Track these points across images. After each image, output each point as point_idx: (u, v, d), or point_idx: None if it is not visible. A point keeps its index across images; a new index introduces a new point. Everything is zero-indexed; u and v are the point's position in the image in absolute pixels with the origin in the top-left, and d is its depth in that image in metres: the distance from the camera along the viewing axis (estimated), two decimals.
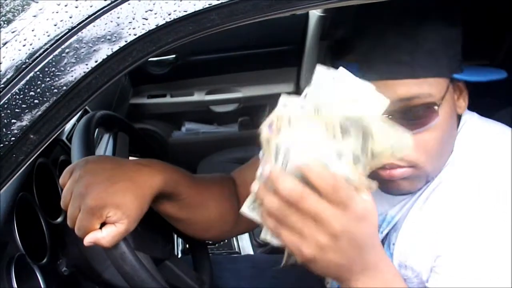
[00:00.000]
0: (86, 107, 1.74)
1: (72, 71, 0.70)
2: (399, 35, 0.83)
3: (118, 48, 0.69)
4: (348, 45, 0.88)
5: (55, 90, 0.70)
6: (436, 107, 0.84)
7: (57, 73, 0.70)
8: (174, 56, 2.62)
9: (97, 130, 1.72)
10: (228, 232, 1.19)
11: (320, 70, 0.67)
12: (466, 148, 0.91)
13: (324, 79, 0.67)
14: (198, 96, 2.78)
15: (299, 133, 0.66)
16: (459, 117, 0.94)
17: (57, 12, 0.72)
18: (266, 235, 0.72)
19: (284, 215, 0.66)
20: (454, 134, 0.92)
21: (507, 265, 0.79)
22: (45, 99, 0.70)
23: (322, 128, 0.67)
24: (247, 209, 0.71)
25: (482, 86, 0.89)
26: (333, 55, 0.93)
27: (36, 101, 0.71)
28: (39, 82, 0.71)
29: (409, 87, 0.83)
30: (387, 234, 0.98)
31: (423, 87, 0.83)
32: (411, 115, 0.84)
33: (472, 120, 0.95)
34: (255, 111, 2.79)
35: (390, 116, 0.82)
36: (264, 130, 0.67)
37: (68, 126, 1.58)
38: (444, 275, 0.83)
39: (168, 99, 2.80)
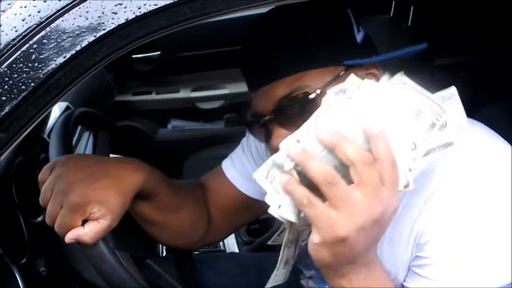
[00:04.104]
0: (69, 104, 1.73)
1: (40, 67, 0.69)
2: (266, 40, 0.87)
3: (87, 43, 0.68)
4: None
5: (23, 87, 0.69)
6: (311, 96, 0.83)
7: (25, 69, 0.69)
8: (159, 52, 2.60)
9: (79, 128, 1.71)
10: (197, 242, 1.19)
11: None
12: None
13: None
14: (184, 93, 2.77)
15: (375, 104, 0.68)
16: None
17: (25, 7, 0.70)
18: (276, 209, 0.70)
19: (332, 182, 0.65)
20: None
21: (493, 266, 0.77)
22: (13, 96, 0.69)
23: (400, 106, 0.68)
24: (260, 176, 0.70)
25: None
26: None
27: (3, 98, 0.69)
28: (6, 79, 0.69)
29: (286, 84, 0.84)
30: None
31: (302, 80, 0.84)
32: (289, 110, 0.84)
33: None
34: (241, 108, 2.76)
35: (272, 117, 0.86)
36: (331, 95, 0.69)
37: (50, 124, 1.56)
38: (430, 278, 0.81)
39: (153, 96, 2.78)
